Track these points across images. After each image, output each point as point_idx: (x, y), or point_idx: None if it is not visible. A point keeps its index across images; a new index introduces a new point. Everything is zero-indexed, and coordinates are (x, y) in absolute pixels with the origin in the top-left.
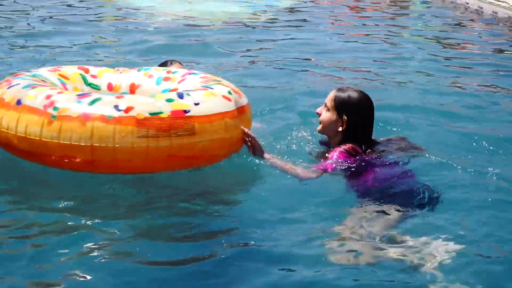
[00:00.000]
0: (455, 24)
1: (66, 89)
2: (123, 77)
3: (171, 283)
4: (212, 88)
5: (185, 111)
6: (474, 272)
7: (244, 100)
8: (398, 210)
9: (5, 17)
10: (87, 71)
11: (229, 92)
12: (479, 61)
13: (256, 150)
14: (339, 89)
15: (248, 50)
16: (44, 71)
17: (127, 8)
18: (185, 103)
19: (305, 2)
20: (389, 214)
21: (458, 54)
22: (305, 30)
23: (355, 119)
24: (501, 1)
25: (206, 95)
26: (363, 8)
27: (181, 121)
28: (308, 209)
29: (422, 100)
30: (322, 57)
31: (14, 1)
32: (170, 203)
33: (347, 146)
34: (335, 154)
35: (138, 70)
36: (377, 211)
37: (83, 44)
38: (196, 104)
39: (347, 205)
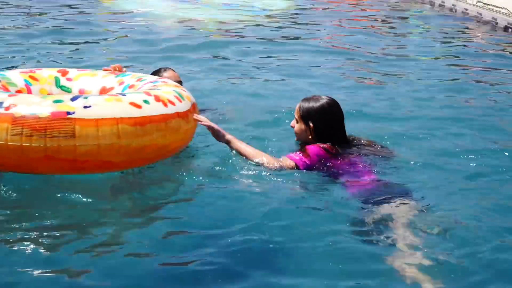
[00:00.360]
0: (454, 31)
1: (30, 90)
2: (97, 81)
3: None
4: (124, 95)
5: (68, 113)
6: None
7: (175, 108)
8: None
9: (7, 19)
10: (65, 73)
11: (145, 101)
12: (479, 68)
13: (216, 135)
14: (303, 99)
15: (248, 53)
16: (12, 72)
17: (127, 12)
18: (72, 106)
19: (304, 7)
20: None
21: (458, 60)
22: (304, 34)
23: (320, 125)
24: (501, 8)
25: (108, 99)
26: (363, 12)
27: (59, 122)
28: (299, 209)
29: (419, 105)
30: (320, 61)
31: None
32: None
33: (325, 145)
34: (311, 148)
35: (116, 76)
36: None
37: (81, 48)
38: (86, 107)
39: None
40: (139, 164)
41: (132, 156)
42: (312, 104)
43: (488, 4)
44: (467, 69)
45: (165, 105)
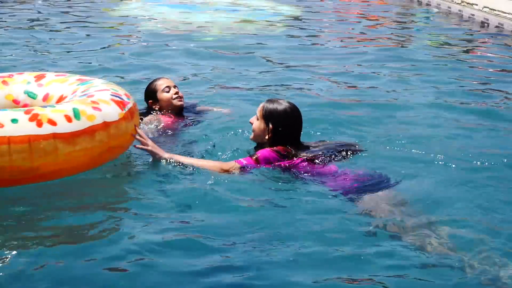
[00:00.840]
0: (461, 36)
1: None
2: (62, 88)
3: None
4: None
5: None
6: None
7: (53, 129)
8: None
9: (13, 23)
10: (40, 78)
11: (13, 120)
12: (485, 73)
13: (153, 156)
14: (268, 100)
15: (251, 57)
16: None
17: (128, 16)
18: None
19: (309, 12)
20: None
21: (464, 65)
22: (308, 39)
23: (280, 128)
24: (507, 13)
25: None
26: (368, 17)
27: None
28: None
29: (422, 108)
30: (324, 66)
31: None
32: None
33: (277, 147)
34: (262, 152)
35: (78, 84)
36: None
37: (85, 51)
38: None
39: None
40: (2, 185)
41: None
42: (276, 106)
43: (495, 10)
44: (473, 74)
45: (39, 125)
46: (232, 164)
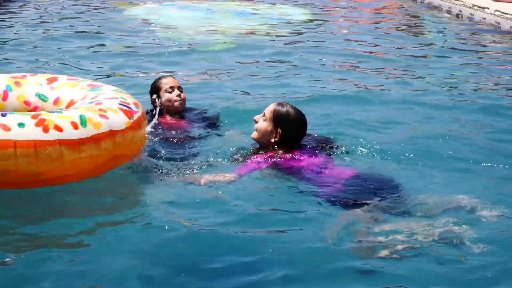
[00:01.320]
0: (472, 40)
1: (6, 95)
2: (73, 93)
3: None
4: (5, 115)
5: None
6: None
7: (59, 135)
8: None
9: (27, 26)
10: (52, 81)
11: (20, 124)
12: (495, 76)
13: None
14: (279, 104)
15: (262, 60)
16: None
17: (141, 20)
18: None
19: (320, 15)
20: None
21: (475, 69)
22: (320, 40)
23: (288, 133)
24: None
25: None
26: (380, 20)
27: None
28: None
29: (433, 108)
30: (333, 65)
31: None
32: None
33: (272, 152)
34: (254, 160)
35: (88, 90)
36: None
37: (95, 54)
38: None
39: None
40: (6, 187)
41: None
42: (287, 111)
43: (506, 13)
44: (484, 77)
45: (46, 130)
46: (232, 174)
